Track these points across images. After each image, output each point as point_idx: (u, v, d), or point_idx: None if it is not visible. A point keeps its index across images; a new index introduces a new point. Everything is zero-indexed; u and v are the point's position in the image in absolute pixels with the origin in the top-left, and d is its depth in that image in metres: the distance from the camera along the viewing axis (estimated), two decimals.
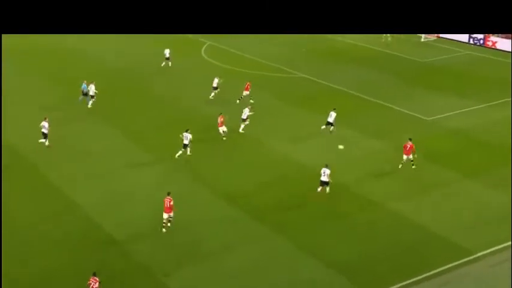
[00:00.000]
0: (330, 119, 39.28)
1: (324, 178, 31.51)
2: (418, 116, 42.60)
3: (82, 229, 28.00)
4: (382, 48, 60.80)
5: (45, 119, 37.00)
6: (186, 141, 35.59)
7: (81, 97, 43.84)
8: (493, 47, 61.67)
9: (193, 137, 35.35)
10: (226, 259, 26.22)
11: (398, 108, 43.91)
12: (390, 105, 44.45)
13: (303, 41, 63.17)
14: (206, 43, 61.75)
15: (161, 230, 28.03)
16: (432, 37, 65.49)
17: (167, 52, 52.94)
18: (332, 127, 39.25)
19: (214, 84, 45.23)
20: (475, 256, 26.72)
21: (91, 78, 44.88)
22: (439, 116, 42.70)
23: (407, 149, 35.05)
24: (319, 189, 31.55)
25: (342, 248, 27.21)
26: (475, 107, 44.66)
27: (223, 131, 38.16)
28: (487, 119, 42.60)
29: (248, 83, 44.69)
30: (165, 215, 28.16)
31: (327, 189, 31.57)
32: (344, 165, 35.01)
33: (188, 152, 35.59)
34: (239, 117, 39.21)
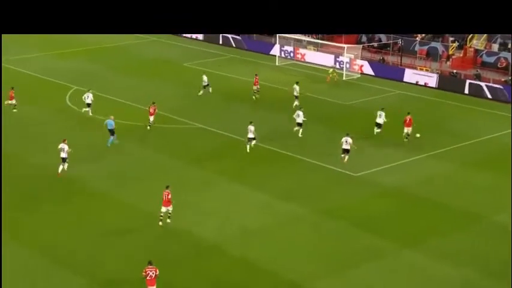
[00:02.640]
0: (380, 120, 48.66)
1: (346, 146, 43.84)
2: (344, 171, 43.66)
3: None
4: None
5: (63, 140, 41.77)
6: (251, 135, 45.71)
7: (111, 138, 47.17)
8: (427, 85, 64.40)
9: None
10: None
11: (319, 163, 44.85)
12: (309, 160, 45.33)
13: (195, 81, 63.79)
14: (73, 88, 61.21)
15: (158, 223, 35.17)
16: (356, 74, 67.74)
17: (205, 79, 59.14)
18: (379, 129, 48.97)
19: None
20: None
21: None
22: (369, 171, 43.95)
23: (407, 121, 47.82)
24: (344, 156, 43.86)
25: None
26: (411, 159, 46.33)
27: (151, 121, 49.88)
28: (426, 172, 44.26)
29: (256, 77, 58.13)
30: (164, 209, 35.25)
31: (347, 157, 43.60)
32: (253, 236, 35.45)
33: (251, 145, 45.82)
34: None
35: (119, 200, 39.12)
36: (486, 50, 68.13)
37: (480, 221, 37.75)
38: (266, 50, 76.49)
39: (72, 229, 35.90)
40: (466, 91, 62.26)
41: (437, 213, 38.59)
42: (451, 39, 70.88)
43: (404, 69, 66.76)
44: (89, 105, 53.39)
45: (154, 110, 50.72)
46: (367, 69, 68.64)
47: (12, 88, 54.81)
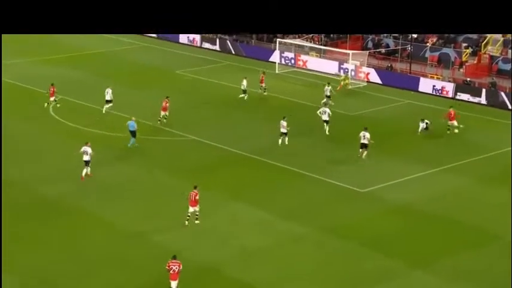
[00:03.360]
0: (423, 125, 52.01)
1: (364, 141, 46.89)
2: (350, 187, 43.78)
3: None
4: (295, 98, 62.42)
5: (86, 143, 43.51)
6: (283, 130, 48.77)
7: (132, 140, 49.28)
8: (443, 94, 64.46)
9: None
10: None
11: (322, 178, 44.97)
12: (312, 175, 45.44)
13: (188, 90, 63.89)
14: (57, 97, 61.16)
15: (184, 222, 37.55)
16: (362, 82, 67.87)
17: (245, 83, 61.29)
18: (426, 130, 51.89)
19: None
20: None
21: None
22: (377, 187, 44.06)
23: (452, 115, 51.91)
24: (362, 151, 46.93)
25: None
26: (422, 173, 46.42)
27: (164, 116, 53.40)
28: (438, 188, 44.34)
29: (262, 76, 62.72)
30: (191, 209, 37.63)
31: (365, 152, 46.92)
32: (253, 256, 35.51)
33: (286, 142, 48.94)
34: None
35: (109, 220, 39.05)
36: (502, 57, 68.23)
37: (496, 240, 37.76)
38: (265, 56, 76.61)
39: (60, 252, 35.92)
40: (483, 101, 62.40)
41: (449, 232, 38.63)
42: (464, 45, 71.06)
43: (419, 78, 66.56)
44: (108, 101, 56.64)
45: (166, 104, 53.77)
46: (374, 77, 68.73)
47: (52, 84, 57.72)
